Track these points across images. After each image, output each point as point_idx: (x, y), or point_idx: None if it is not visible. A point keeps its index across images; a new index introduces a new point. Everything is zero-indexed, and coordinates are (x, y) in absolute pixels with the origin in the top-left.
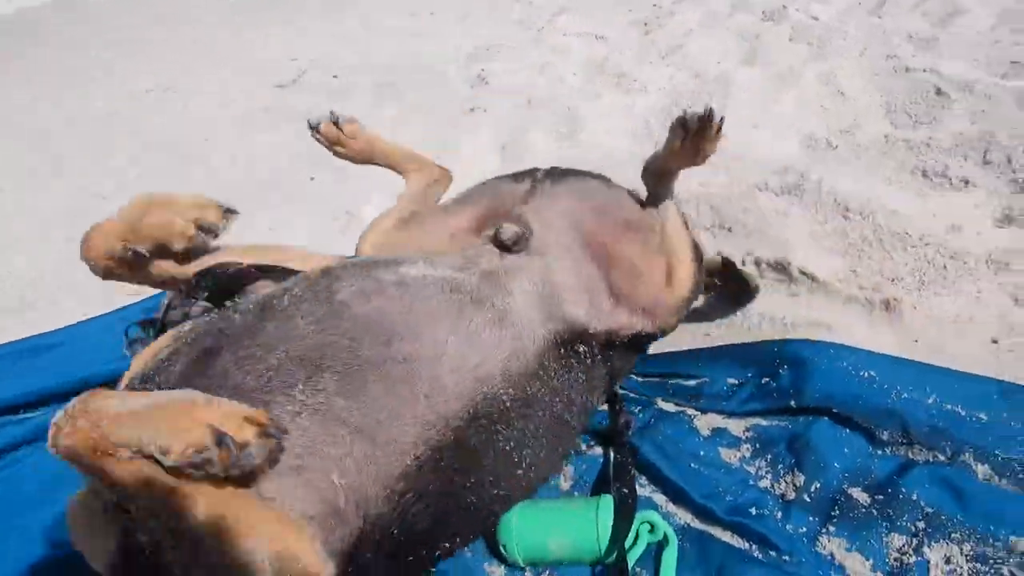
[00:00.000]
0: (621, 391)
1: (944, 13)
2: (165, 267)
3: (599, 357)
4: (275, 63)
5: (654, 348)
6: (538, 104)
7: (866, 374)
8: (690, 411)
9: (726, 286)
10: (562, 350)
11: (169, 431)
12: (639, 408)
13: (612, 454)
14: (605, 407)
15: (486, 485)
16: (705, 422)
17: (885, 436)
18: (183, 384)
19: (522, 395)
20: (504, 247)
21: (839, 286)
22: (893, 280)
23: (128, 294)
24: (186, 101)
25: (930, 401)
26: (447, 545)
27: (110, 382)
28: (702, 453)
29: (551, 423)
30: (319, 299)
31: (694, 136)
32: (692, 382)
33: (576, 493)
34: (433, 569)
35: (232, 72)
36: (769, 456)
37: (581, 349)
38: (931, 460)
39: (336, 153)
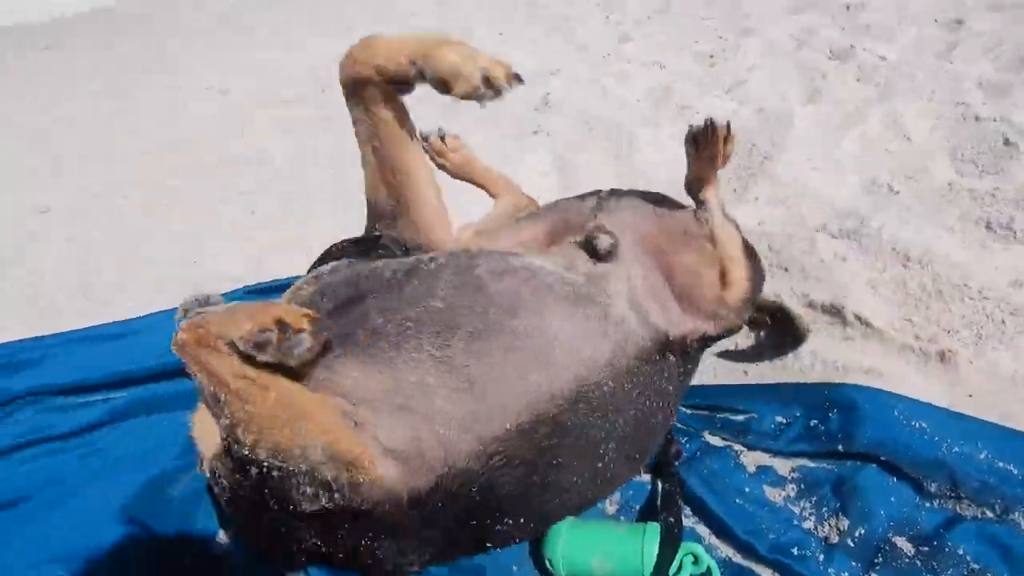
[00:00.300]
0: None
1: (1017, 59)
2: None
3: (678, 366)
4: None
5: (704, 380)
6: (598, 128)
7: (917, 424)
8: (737, 446)
9: (776, 327)
10: (655, 355)
11: (245, 319)
12: (686, 439)
13: (660, 483)
14: None
15: (568, 470)
16: (751, 459)
17: (933, 488)
18: (324, 318)
19: (620, 390)
20: (596, 255)
21: (894, 334)
22: (950, 332)
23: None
24: (240, 101)
25: (981, 457)
26: (510, 523)
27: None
28: (747, 490)
29: (637, 425)
30: (459, 269)
31: (706, 146)
32: (740, 417)
33: (622, 518)
34: (487, 547)
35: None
36: (814, 498)
37: (668, 356)
38: (979, 516)
39: (437, 164)
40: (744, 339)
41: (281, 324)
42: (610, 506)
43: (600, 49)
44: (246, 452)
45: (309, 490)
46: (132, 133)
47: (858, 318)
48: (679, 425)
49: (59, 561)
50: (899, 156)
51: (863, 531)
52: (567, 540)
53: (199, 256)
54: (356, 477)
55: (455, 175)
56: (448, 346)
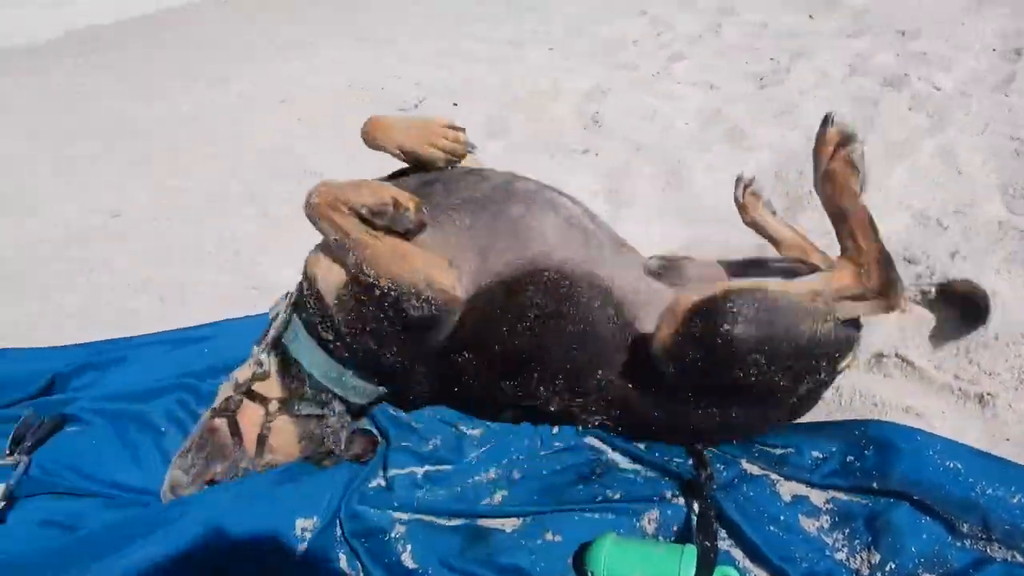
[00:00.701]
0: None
1: None
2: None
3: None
4: (388, 85)
5: None
6: (647, 151)
7: (952, 465)
8: (773, 476)
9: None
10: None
11: (367, 195)
12: (723, 466)
13: (696, 506)
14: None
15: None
16: (787, 488)
17: (965, 528)
18: (412, 190)
19: (564, 287)
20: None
21: (934, 373)
22: (991, 375)
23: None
24: (299, 113)
25: (1014, 500)
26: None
27: None
28: (782, 518)
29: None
30: (503, 179)
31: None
32: (778, 450)
33: (660, 538)
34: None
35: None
36: (847, 530)
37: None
38: (1009, 559)
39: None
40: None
41: (396, 202)
42: (648, 525)
43: (650, 68)
44: (371, 281)
45: (415, 303)
46: (197, 139)
47: (899, 356)
48: (716, 452)
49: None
50: (949, 189)
51: (894, 566)
52: (609, 555)
53: (262, 263)
54: (444, 295)
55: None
56: (476, 222)
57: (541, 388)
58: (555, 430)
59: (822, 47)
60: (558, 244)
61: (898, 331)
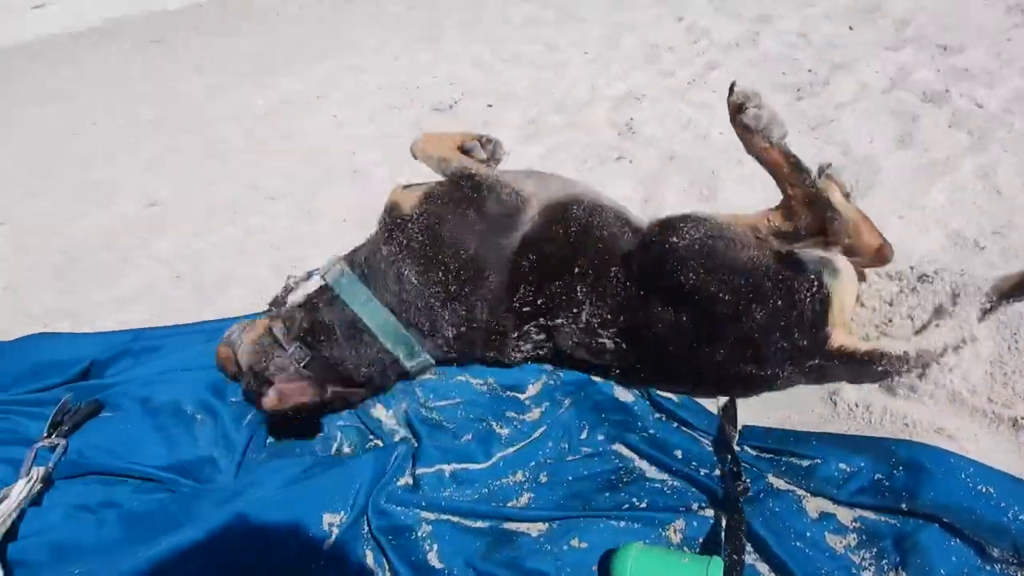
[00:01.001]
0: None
1: None
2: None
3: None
4: (424, 83)
5: (771, 423)
6: (680, 160)
7: (983, 488)
8: (800, 491)
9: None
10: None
11: (459, 136)
12: (749, 479)
13: (724, 519)
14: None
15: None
16: (814, 504)
17: (996, 553)
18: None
19: (609, 212)
20: None
21: (967, 396)
22: None
23: None
24: (336, 111)
25: None
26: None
27: None
28: (808, 534)
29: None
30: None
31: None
32: (805, 463)
33: (686, 549)
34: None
35: (379, 87)
36: (875, 549)
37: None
38: None
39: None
40: None
41: (484, 138)
42: (674, 535)
43: (685, 75)
44: (466, 178)
45: (504, 196)
46: (237, 133)
47: (932, 379)
48: (744, 465)
49: None
50: (987, 210)
51: None
52: (635, 564)
53: (298, 257)
54: (521, 195)
55: None
56: (539, 178)
57: (578, 288)
58: (584, 435)
59: (862, 59)
60: (594, 193)
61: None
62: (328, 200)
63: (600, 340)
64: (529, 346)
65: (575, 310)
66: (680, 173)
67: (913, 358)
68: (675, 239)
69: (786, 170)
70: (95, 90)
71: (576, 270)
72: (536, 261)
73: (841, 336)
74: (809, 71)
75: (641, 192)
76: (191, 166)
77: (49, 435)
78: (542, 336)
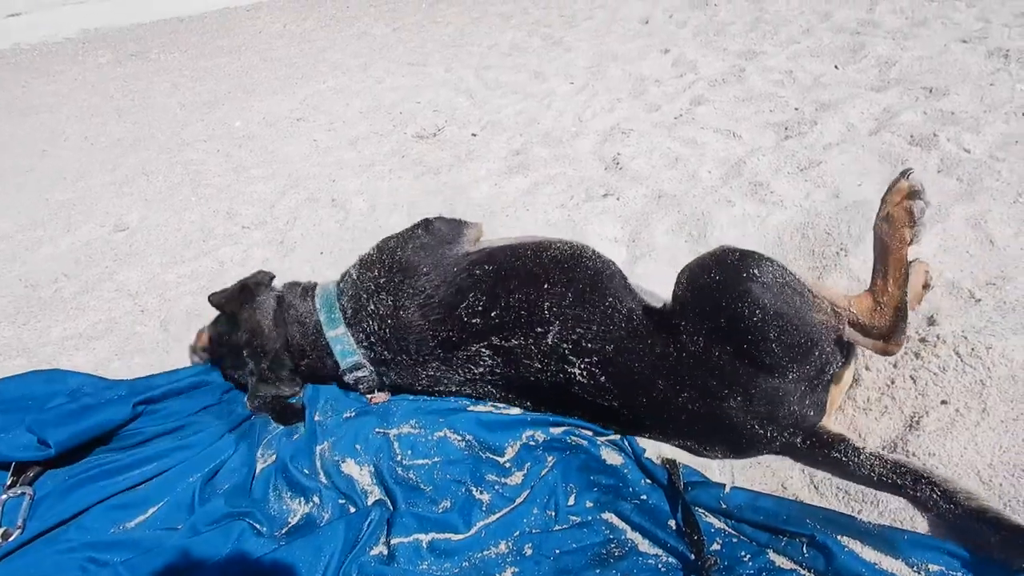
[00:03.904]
0: (730, 532)
1: None
2: None
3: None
4: (408, 109)
5: (767, 489)
6: (668, 200)
7: None
8: (803, 572)
9: None
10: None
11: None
12: (748, 555)
13: None
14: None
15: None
16: None
17: None
18: None
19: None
20: None
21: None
22: None
23: None
24: (316, 135)
25: None
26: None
27: None
28: None
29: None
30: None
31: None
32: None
33: None
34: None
35: (361, 111)
36: None
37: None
38: None
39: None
40: None
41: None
42: None
43: (672, 110)
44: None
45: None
46: (209, 152)
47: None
48: (743, 538)
49: None
50: (980, 260)
51: None
52: None
53: None
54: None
55: None
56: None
57: (546, 305)
58: (571, 500)
59: (847, 99)
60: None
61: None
62: (305, 230)
63: (569, 370)
64: (480, 370)
65: (539, 329)
66: (668, 212)
67: (868, 456)
68: (756, 271)
69: (902, 271)
70: (68, 104)
71: (545, 286)
72: (492, 272)
73: (828, 417)
74: (796, 109)
75: (628, 231)
76: (163, 190)
77: (12, 484)
78: (496, 360)
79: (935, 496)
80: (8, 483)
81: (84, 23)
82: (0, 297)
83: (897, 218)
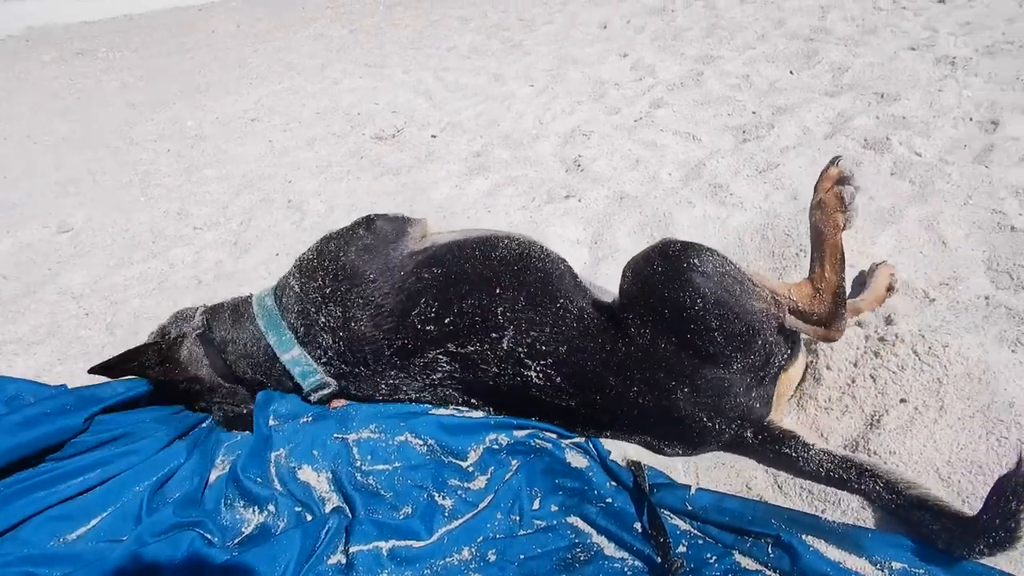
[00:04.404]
0: (696, 534)
1: None
2: None
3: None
4: (366, 110)
5: (732, 489)
6: (630, 201)
7: None
8: (769, 572)
9: None
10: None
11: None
12: (713, 557)
13: None
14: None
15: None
16: None
17: None
18: None
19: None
20: None
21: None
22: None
23: None
24: (272, 136)
25: None
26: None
27: None
28: None
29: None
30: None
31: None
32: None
33: None
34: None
35: (318, 112)
36: None
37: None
38: None
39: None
40: None
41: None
42: None
43: (632, 113)
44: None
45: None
46: (159, 152)
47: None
48: (708, 540)
49: None
50: (934, 260)
51: None
52: None
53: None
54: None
55: None
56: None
57: (499, 310)
58: (536, 504)
59: (803, 104)
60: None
61: (894, 406)
62: (260, 231)
63: (525, 373)
64: (438, 376)
65: (494, 335)
66: (630, 214)
67: (816, 452)
68: (697, 261)
69: (837, 256)
70: (10, 103)
71: (497, 290)
72: (441, 275)
73: (776, 411)
74: (753, 113)
75: (591, 233)
76: (111, 190)
77: None
78: (453, 366)
79: (878, 488)
80: None
81: (29, 20)
82: None
83: (829, 204)
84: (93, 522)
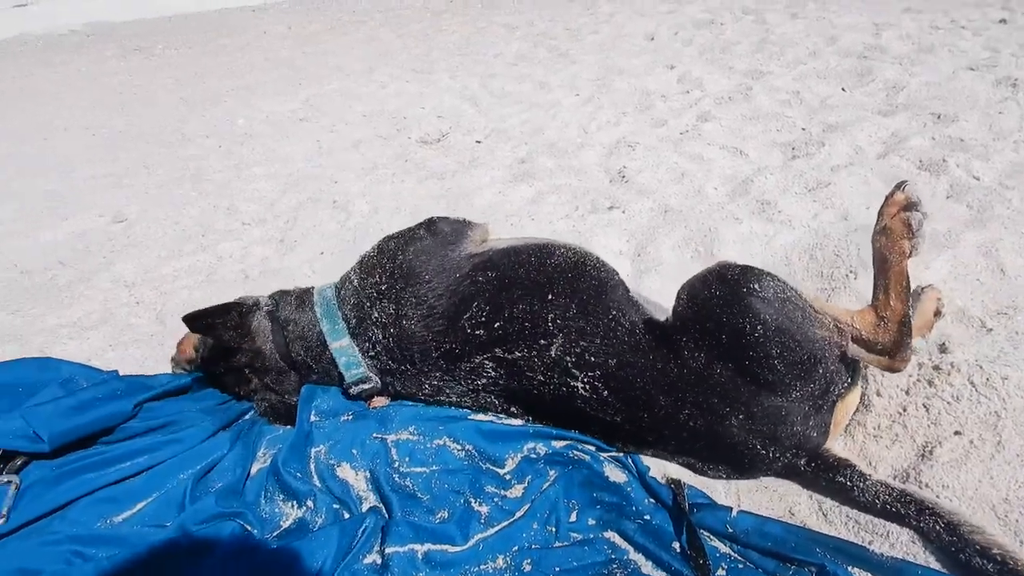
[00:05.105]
0: (736, 558)
1: None
2: None
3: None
4: (412, 114)
5: (774, 514)
6: (674, 215)
7: None
8: None
9: None
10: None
11: None
12: None
13: None
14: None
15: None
16: None
17: None
18: None
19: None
20: None
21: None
22: None
23: None
24: (319, 136)
25: None
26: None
27: None
28: None
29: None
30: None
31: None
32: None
33: None
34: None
35: (365, 114)
36: None
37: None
38: None
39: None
40: None
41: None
42: None
43: (678, 125)
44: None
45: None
46: (210, 149)
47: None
48: (749, 565)
49: None
50: (991, 288)
51: None
52: None
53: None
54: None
55: None
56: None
57: (550, 317)
58: (573, 517)
59: (855, 122)
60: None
61: (948, 438)
62: (306, 230)
63: (572, 383)
64: (483, 381)
65: (542, 342)
66: (675, 228)
67: (873, 483)
68: (757, 286)
69: (903, 284)
70: (70, 95)
71: (549, 297)
72: (495, 279)
73: (832, 441)
74: (803, 130)
75: (634, 245)
76: (164, 183)
77: None
78: (499, 372)
79: (939, 528)
80: None
81: (90, 16)
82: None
83: (894, 230)
84: (139, 506)
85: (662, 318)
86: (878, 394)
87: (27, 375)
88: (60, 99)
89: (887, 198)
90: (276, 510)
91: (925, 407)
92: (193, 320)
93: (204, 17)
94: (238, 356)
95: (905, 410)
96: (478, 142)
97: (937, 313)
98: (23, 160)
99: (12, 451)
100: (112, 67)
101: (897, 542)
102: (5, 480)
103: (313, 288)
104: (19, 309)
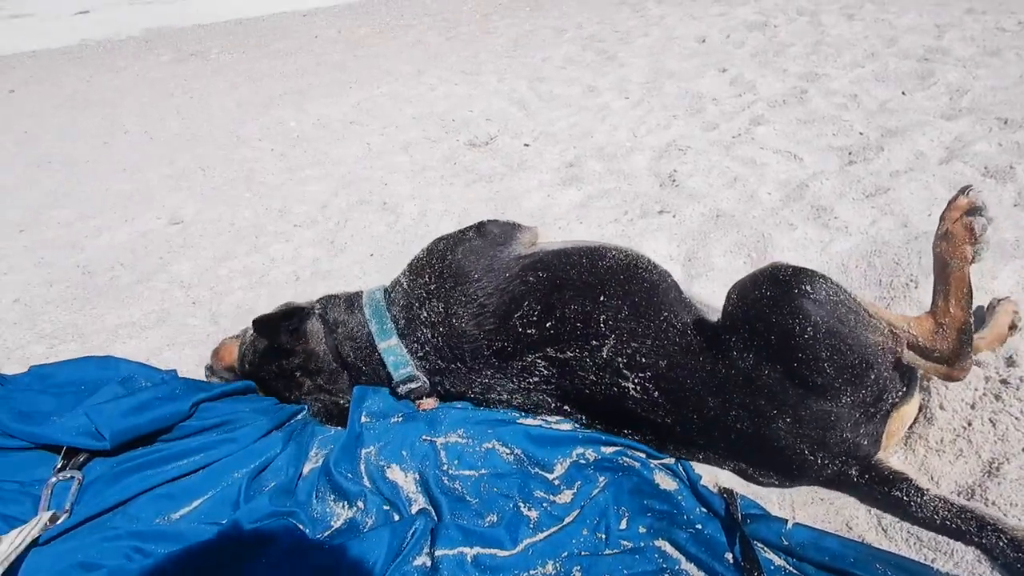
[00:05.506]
0: (791, 571)
1: None
2: None
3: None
4: (460, 117)
5: (831, 528)
6: (726, 219)
7: None
8: None
9: None
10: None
11: None
12: None
13: None
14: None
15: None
16: None
17: None
18: None
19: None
20: None
21: None
22: None
23: None
24: (369, 139)
25: None
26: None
27: None
28: None
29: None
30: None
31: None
32: None
33: None
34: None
35: (414, 117)
36: None
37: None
38: None
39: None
40: None
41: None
42: None
43: (730, 129)
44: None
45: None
46: (264, 151)
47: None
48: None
49: None
50: None
51: None
52: None
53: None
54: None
55: None
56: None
57: (602, 318)
58: (623, 524)
59: (916, 126)
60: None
61: (1015, 450)
62: (356, 231)
63: (623, 384)
64: (535, 380)
65: (594, 343)
66: (726, 233)
67: (932, 498)
68: (809, 287)
69: (964, 290)
70: (129, 99)
71: (601, 298)
72: (546, 280)
73: (886, 450)
74: (861, 134)
75: (684, 250)
76: (219, 185)
77: (63, 467)
78: (551, 371)
79: (1002, 545)
80: (58, 466)
81: (147, 23)
82: (57, 283)
83: (956, 235)
84: (195, 503)
85: (714, 319)
86: (941, 407)
87: (89, 373)
88: (119, 103)
89: (950, 202)
90: (327, 510)
91: (992, 422)
92: (261, 324)
93: (258, 22)
94: (291, 358)
95: (970, 424)
96: (526, 145)
97: (1013, 327)
98: (85, 163)
99: (75, 447)
100: (169, 71)
101: (962, 560)
102: (69, 476)
103: (362, 291)
104: (81, 308)
